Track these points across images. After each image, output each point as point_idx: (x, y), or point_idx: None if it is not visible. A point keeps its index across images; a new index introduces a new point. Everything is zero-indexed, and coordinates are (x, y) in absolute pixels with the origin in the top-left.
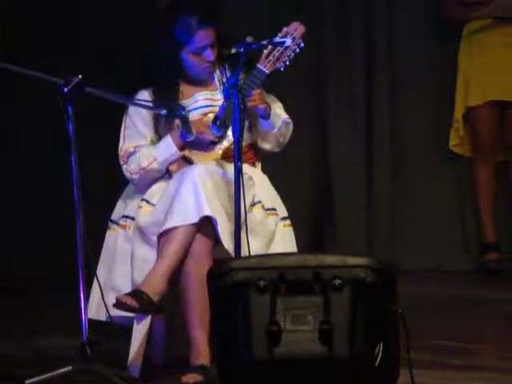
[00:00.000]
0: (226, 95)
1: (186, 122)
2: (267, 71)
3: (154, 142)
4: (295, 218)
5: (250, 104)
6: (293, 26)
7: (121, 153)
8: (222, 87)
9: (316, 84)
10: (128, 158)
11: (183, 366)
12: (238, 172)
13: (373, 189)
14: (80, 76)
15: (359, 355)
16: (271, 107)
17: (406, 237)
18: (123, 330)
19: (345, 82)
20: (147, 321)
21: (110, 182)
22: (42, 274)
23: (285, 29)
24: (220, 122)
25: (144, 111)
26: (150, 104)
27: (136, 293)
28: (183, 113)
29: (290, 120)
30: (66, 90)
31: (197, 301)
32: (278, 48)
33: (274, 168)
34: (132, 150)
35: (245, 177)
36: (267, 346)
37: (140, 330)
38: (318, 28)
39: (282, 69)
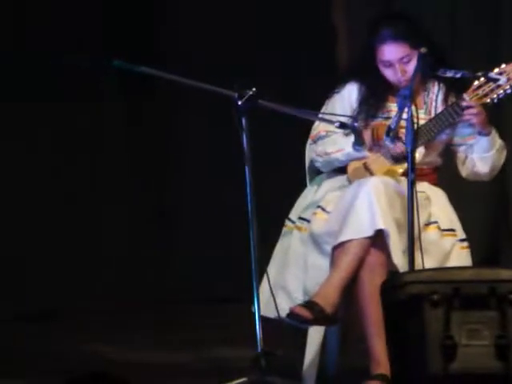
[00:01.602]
0: (400, 107)
1: (358, 134)
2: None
3: (347, 133)
4: (470, 237)
5: (464, 118)
6: (511, 66)
7: (313, 132)
8: (435, 104)
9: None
10: (318, 139)
11: (358, 376)
12: (412, 185)
13: None
14: (254, 89)
15: None
16: (491, 127)
17: None
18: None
19: None
20: (321, 331)
21: (282, 180)
22: (216, 283)
23: (503, 66)
24: (393, 134)
25: (347, 103)
26: (324, 116)
27: (310, 304)
28: (356, 125)
29: (504, 144)
30: (239, 103)
31: (373, 311)
32: (490, 84)
33: (450, 187)
34: (324, 133)
35: (422, 195)
36: (442, 361)
37: (314, 340)
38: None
39: (488, 105)
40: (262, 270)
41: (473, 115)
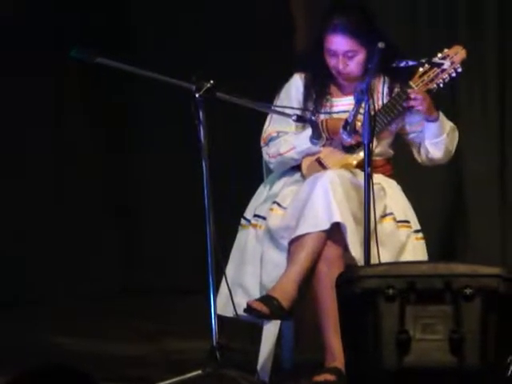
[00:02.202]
0: (357, 100)
1: (315, 126)
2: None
3: (298, 131)
4: (426, 228)
5: (407, 104)
6: (454, 50)
7: (264, 135)
8: (382, 97)
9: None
10: (269, 141)
11: (313, 370)
12: (369, 178)
13: (507, 195)
14: (212, 81)
15: (490, 365)
16: (439, 111)
17: None
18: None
19: (477, 83)
20: (277, 325)
21: (240, 176)
22: (173, 274)
23: (446, 50)
24: (350, 128)
25: (295, 99)
26: (282, 109)
27: (267, 299)
28: (313, 118)
29: (455, 126)
30: (197, 95)
31: (330, 305)
32: (435, 69)
33: (406, 179)
34: (275, 134)
35: (377, 187)
36: (396, 355)
37: (270, 334)
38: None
39: (434, 90)
40: (220, 264)
41: (417, 102)
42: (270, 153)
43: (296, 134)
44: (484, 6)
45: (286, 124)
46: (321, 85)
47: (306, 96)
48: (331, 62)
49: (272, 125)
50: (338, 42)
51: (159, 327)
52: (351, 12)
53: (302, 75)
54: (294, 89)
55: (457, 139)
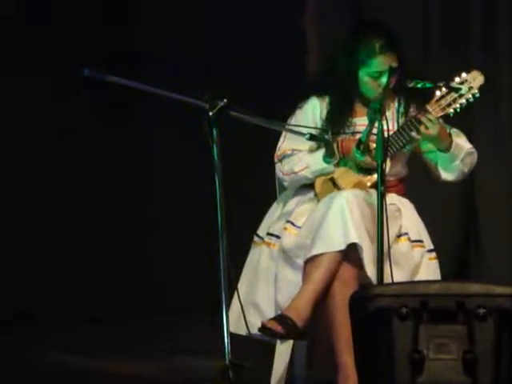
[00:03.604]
0: (370, 120)
1: (328, 145)
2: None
3: (312, 150)
4: (439, 247)
5: (422, 130)
6: (472, 75)
7: (278, 152)
8: (397, 117)
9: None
10: (283, 158)
11: None
12: (382, 197)
13: None
14: (225, 100)
15: None
16: (452, 141)
17: None
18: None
19: (491, 109)
20: (290, 344)
21: (254, 195)
22: (187, 292)
23: (463, 75)
24: (363, 147)
25: (311, 118)
26: (296, 128)
27: (282, 318)
28: (326, 137)
29: (473, 150)
30: (210, 114)
31: (344, 325)
32: (452, 94)
33: (419, 197)
34: (289, 152)
35: (392, 207)
36: (410, 374)
37: (283, 353)
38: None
39: (451, 115)
40: (232, 281)
41: (428, 126)
42: (283, 170)
43: (310, 152)
44: (498, 31)
45: (301, 142)
46: (344, 112)
47: (327, 118)
48: (372, 83)
49: (286, 142)
50: (385, 62)
51: (170, 346)
52: (385, 29)
53: (322, 98)
54: (311, 109)
55: (474, 162)
